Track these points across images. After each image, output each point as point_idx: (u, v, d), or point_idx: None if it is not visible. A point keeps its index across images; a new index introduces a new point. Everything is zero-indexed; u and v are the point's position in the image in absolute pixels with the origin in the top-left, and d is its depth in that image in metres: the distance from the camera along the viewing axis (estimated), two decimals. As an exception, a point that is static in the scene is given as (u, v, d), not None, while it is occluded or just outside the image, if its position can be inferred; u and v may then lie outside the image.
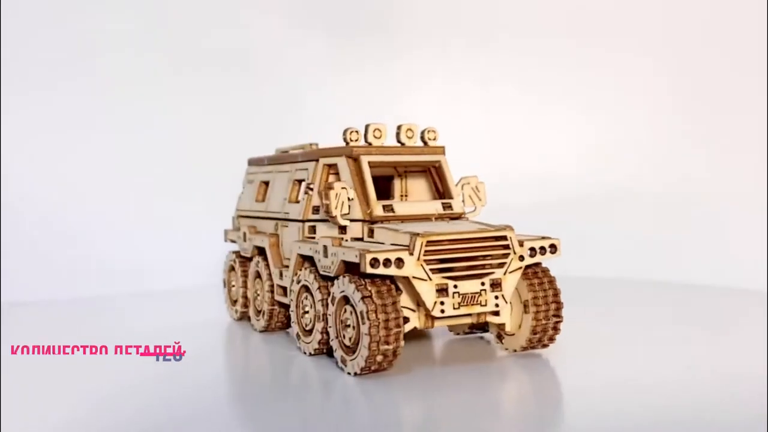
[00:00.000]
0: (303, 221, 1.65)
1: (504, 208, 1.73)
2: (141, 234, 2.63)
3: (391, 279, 1.39)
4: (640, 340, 1.71)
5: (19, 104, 2.58)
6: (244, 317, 1.99)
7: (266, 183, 1.94)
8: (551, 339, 1.53)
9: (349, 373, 1.41)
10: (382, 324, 1.33)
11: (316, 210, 1.63)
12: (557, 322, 1.50)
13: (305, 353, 1.58)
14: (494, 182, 1.68)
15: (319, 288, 1.51)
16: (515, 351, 1.55)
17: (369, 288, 1.35)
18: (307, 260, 1.62)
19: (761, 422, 1.13)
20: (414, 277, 1.36)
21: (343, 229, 1.55)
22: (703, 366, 1.47)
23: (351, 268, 1.43)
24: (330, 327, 1.46)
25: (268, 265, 1.79)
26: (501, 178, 1.80)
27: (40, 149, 2.60)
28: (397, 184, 1.72)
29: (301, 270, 1.60)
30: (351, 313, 1.39)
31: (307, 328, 1.58)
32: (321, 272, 1.51)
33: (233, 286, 2.03)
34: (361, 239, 1.52)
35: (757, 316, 1.99)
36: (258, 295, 1.85)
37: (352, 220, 1.53)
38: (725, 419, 1.17)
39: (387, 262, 1.34)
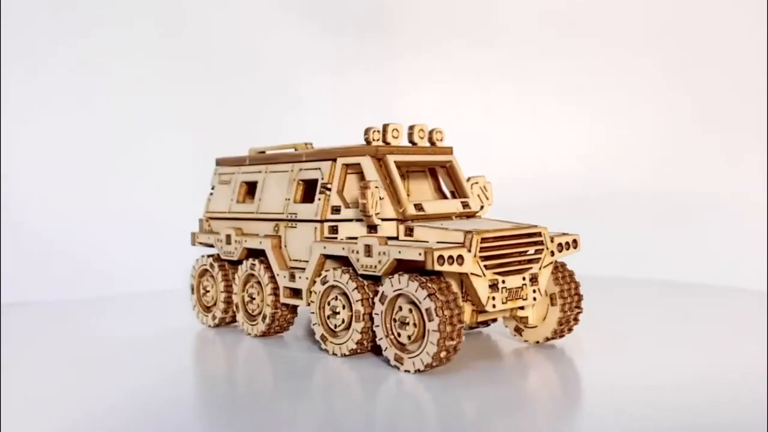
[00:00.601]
0: (321, 221, 1.62)
1: (504, 208, 1.80)
2: (116, 236, 2.51)
3: (444, 277, 1.42)
4: (642, 339, 1.74)
5: (19, 106, 2.49)
6: (222, 323, 1.91)
7: (249, 183, 1.87)
8: (570, 330, 1.62)
9: (407, 371, 1.41)
10: (447, 320, 1.35)
11: (335, 210, 1.61)
12: (578, 313, 1.60)
13: (335, 354, 1.56)
14: (494, 182, 1.74)
15: (357, 288, 1.50)
16: (537, 342, 1.62)
17: (431, 285, 1.37)
18: (334, 260, 1.59)
19: (761, 422, 1.14)
20: (471, 274, 1.40)
21: (373, 228, 1.55)
22: (703, 365, 1.49)
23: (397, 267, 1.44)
24: (377, 326, 1.46)
25: (268, 268, 1.74)
26: (500, 178, 1.86)
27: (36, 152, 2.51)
28: (400, 184, 1.74)
29: (324, 270, 1.58)
30: (410, 311, 1.40)
31: (337, 330, 1.56)
32: (360, 272, 1.50)
33: (207, 291, 1.93)
34: (394, 238, 1.53)
35: (757, 316, 1.99)
36: (253, 298, 1.78)
37: (383, 219, 1.54)
38: (724, 419, 1.18)
39: (450, 260, 1.36)
